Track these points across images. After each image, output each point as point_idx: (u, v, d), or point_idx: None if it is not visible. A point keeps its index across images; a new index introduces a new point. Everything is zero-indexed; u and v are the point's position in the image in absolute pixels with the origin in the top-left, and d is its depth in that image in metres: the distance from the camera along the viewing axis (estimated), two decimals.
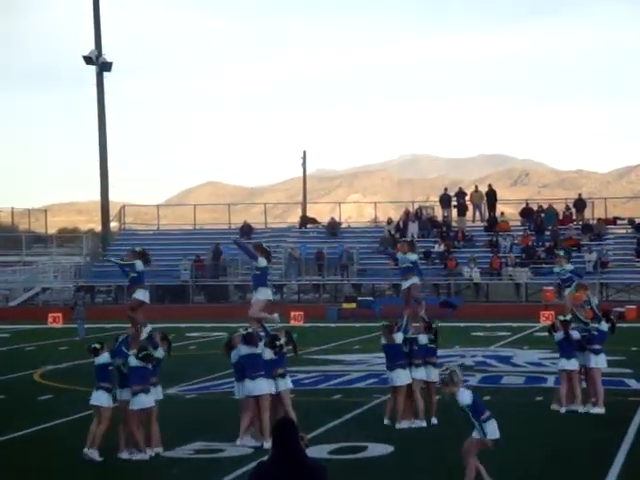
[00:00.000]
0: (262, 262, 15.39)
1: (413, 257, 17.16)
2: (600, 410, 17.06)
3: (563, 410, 17.16)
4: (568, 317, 17.39)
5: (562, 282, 18.63)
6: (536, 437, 15.24)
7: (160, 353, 14.55)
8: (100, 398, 14.19)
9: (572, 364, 17.22)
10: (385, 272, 46.60)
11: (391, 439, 14.94)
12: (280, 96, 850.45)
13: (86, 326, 34.59)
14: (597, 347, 17.32)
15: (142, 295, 14.84)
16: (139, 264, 14.90)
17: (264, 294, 15.41)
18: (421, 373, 16.39)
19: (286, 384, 15.03)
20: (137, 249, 15.38)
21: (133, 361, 14.17)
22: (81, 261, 53.60)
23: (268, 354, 14.90)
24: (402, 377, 16.19)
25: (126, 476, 13.55)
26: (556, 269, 18.91)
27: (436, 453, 14.30)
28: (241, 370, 14.93)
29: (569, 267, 18.57)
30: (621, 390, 19.72)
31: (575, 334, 17.26)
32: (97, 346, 14.42)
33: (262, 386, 14.68)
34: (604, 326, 17.43)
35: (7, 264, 54.77)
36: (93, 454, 14.00)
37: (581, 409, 17.16)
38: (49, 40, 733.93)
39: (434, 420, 16.35)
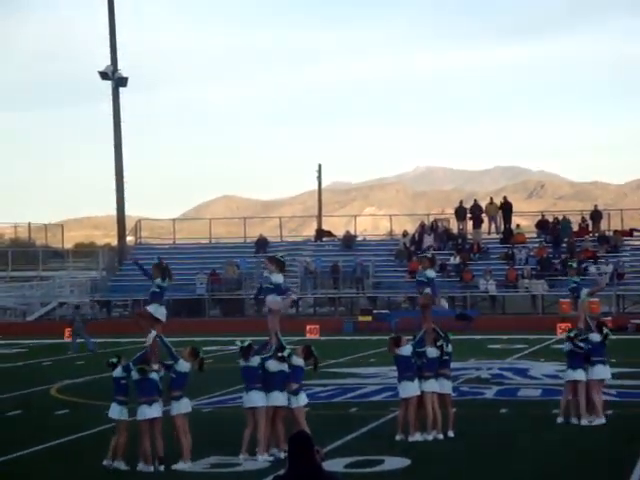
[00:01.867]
0: (278, 278, 15.17)
1: (431, 274, 17.11)
2: (601, 420, 17.04)
3: (574, 421, 17.18)
4: (572, 333, 17.46)
5: (569, 291, 18.81)
6: (554, 449, 15.19)
7: (184, 367, 14.58)
8: (113, 411, 14.48)
9: (579, 374, 17.26)
10: (401, 285, 46.56)
11: (408, 452, 14.89)
12: (295, 109, 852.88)
13: (102, 340, 34.67)
14: (593, 359, 17.33)
15: (153, 310, 14.79)
16: (159, 280, 14.84)
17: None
18: (431, 385, 16.30)
19: (298, 401, 14.84)
20: (160, 263, 15.32)
21: (135, 375, 14.40)
22: (97, 275, 53.77)
23: (274, 366, 14.84)
24: (408, 389, 16.13)
25: None
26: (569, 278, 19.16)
27: (453, 466, 14.24)
28: (264, 380, 14.85)
29: (576, 279, 18.75)
30: None
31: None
32: (114, 360, 14.70)
33: (254, 399, 14.65)
34: (596, 337, 17.43)
35: (24, 279, 55.01)
36: (119, 464, 14.17)
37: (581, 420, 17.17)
38: (64, 56, 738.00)
39: (450, 433, 16.28)
